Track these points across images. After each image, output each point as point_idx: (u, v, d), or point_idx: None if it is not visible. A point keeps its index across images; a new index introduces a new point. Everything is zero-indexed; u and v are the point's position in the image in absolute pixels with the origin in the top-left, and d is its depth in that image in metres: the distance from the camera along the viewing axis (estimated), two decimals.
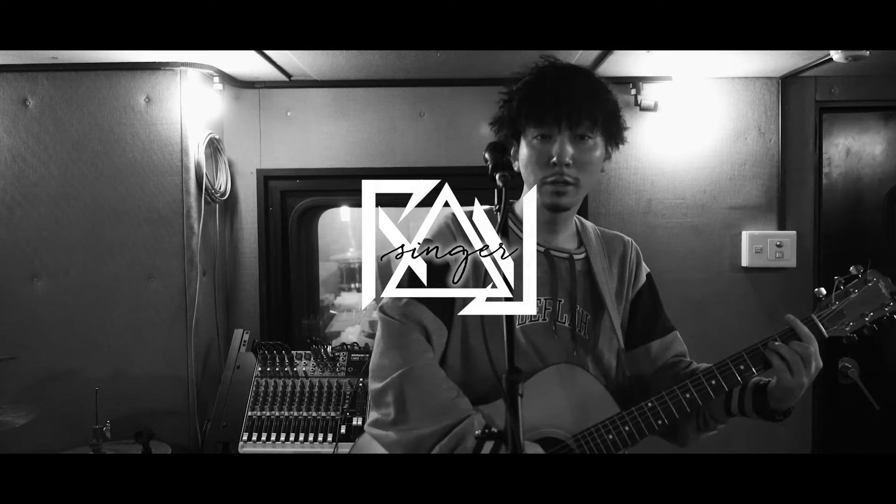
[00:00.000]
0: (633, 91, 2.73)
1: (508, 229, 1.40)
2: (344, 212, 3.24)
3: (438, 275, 1.32)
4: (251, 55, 2.39)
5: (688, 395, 1.33)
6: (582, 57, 2.46)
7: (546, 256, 1.45)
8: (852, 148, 2.83)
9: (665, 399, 1.34)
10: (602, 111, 1.38)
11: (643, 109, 2.74)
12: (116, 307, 2.55)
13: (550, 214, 1.43)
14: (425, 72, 2.62)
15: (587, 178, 1.39)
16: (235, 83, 2.76)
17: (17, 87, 2.52)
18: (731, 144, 2.77)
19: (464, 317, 1.38)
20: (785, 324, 1.37)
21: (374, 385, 1.35)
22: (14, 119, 2.53)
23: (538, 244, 1.42)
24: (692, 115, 2.75)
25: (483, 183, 1.57)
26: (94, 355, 2.54)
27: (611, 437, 1.34)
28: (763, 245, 2.72)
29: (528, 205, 1.27)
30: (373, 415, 1.36)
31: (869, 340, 1.34)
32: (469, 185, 1.90)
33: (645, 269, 1.57)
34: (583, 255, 1.49)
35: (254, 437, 2.35)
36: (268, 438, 2.34)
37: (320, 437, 2.33)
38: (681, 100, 2.74)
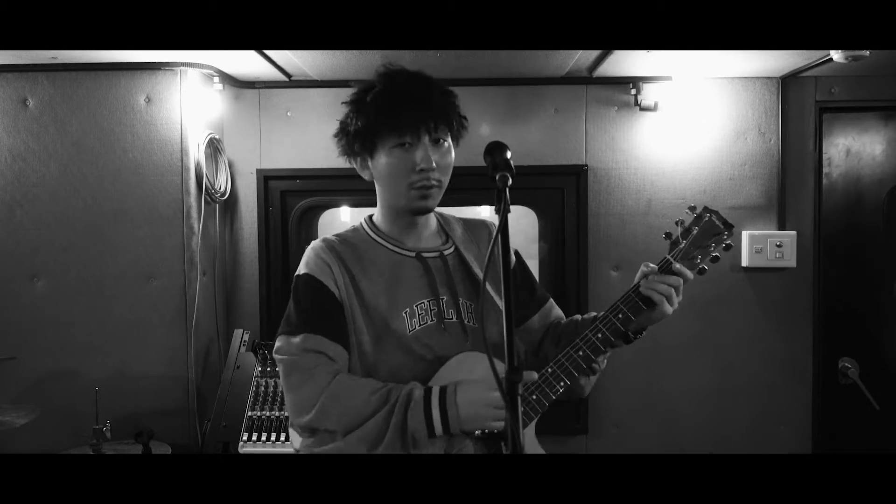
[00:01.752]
0: (633, 91, 2.73)
1: (378, 244, 1.50)
2: (344, 212, 3.24)
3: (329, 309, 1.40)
4: (251, 55, 2.39)
5: (580, 353, 1.40)
6: (582, 57, 2.46)
7: (419, 259, 1.48)
8: (852, 148, 2.83)
9: (562, 361, 1.40)
10: (454, 114, 1.48)
11: (643, 109, 2.74)
12: (116, 307, 2.55)
13: (412, 218, 1.48)
14: (425, 72, 2.61)
15: (446, 178, 1.46)
16: (235, 83, 2.76)
17: (17, 87, 2.52)
18: (731, 144, 2.77)
19: (358, 339, 1.39)
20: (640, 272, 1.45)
21: (303, 419, 1.34)
22: (14, 119, 2.53)
23: (408, 250, 1.49)
24: (692, 115, 2.75)
25: (483, 183, 1.57)
26: (94, 355, 2.54)
27: (521, 409, 1.32)
28: (763, 245, 2.72)
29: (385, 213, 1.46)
30: (313, 441, 1.36)
31: (870, 341, 1.34)
32: (469, 185, 1.91)
33: (512, 248, 1.58)
34: (451, 249, 1.54)
35: (254, 437, 2.35)
36: (268, 438, 2.34)
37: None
38: (681, 100, 2.74)
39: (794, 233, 2.73)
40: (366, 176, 1.51)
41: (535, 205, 2.87)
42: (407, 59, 2.43)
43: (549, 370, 1.40)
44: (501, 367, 1.34)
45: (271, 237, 2.84)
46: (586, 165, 2.77)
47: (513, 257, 1.58)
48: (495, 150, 1.30)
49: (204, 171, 2.56)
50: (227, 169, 2.73)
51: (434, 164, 1.40)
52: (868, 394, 2.65)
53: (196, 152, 2.55)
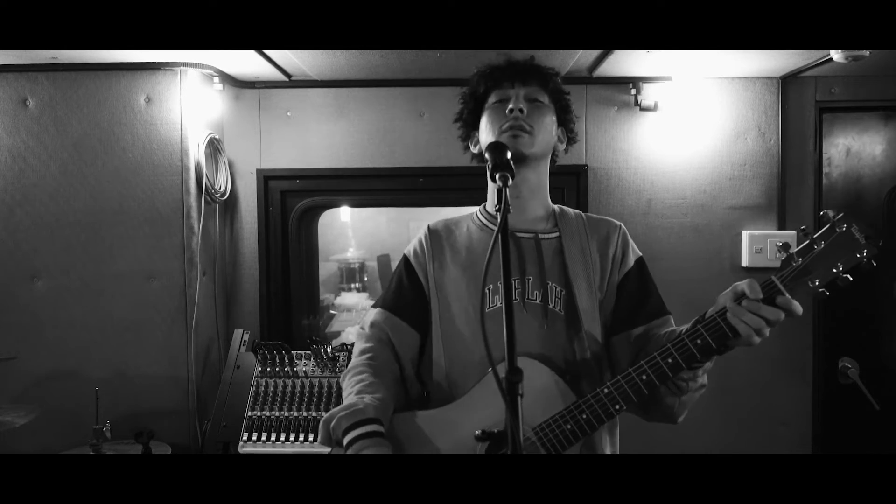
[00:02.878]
0: (633, 91, 2.73)
1: (478, 223, 1.57)
2: (344, 212, 3.24)
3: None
4: (251, 55, 2.39)
5: (644, 377, 1.27)
6: (582, 57, 2.46)
7: (512, 238, 1.49)
8: (852, 148, 2.83)
9: (621, 383, 1.28)
10: (552, 81, 1.54)
11: (643, 109, 2.74)
12: (116, 307, 2.55)
13: (511, 188, 1.46)
14: (425, 72, 2.62)
15: (542, 133, 1.48)
16: (235, 83, 2.76)
17: (17, 87, 2.52)
18: (731, 144, 2.77)
19: (440, 317, 1.49)
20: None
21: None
22: (14, 119, 2.53)
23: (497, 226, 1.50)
24: (692, 115, 2.75)
25: (483, 183, 1.58)
26: (94, 355, 2.54)
27: (569, 426, 1.30)
28: (763, 245, 2.72)
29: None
30: None
31: (870, 341, 1.30)
32: (469, 185, 1.92)
33: (635, 253, 1.54)
34: (554, 236, 1.52)
35: (254, 437, 2.35)
36: (268, 438, 2.34)
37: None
38: (681, 100, 2.74)
39: (794, 233, 2.73)
40: (475, 150, 1.60)
41: None
42: (407, 59, 2.44)
43: (605, 390, 1.29)
44: (556, 379, 1.35)
45: (271, 237, 2.84)
46: (586, 165, 2.77)
47: (632, 262, 1.53)
48: (495, 150, 1.30)
49: (204, 171, 2.56)
50: (227, 169, 2.73)
51: (523, 107, 1.46)
52: (868, 394, 2.65)
53: (196, 152, 2.56)
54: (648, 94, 2.73)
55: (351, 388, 1.42)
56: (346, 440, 1.29)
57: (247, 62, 2.50)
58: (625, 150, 2.78)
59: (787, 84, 2.75)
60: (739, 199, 2.77)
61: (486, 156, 1.31)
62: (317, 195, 2.87)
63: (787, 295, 1.18)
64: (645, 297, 1.51)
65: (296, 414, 2.39)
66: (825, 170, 2.82)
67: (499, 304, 1.43)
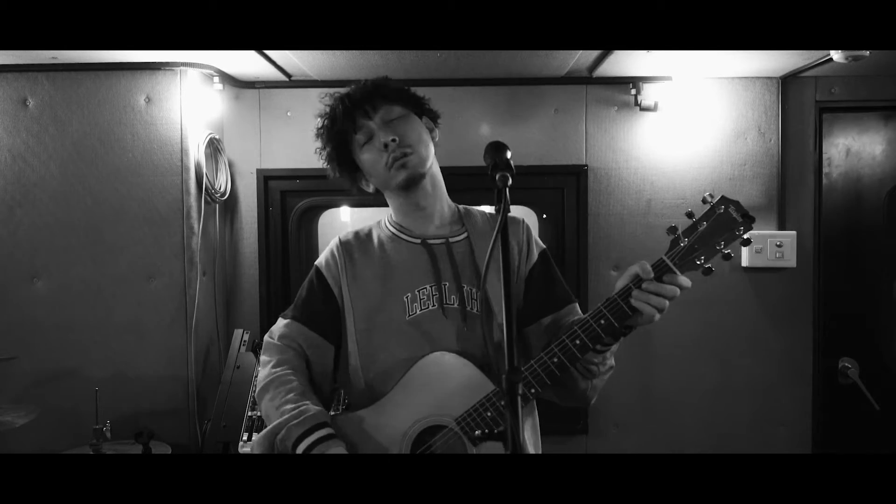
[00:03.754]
0: (633, 91, 2.73)
1: (389, 233, 1.58)
2: (344, 212, 3.24)
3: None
4: (251, 55, 2.39)
5: (555, 360, 1.31)
6: (582, 57, 2.46)
7: (424, 246, 1.52)
8: (852, 148, 2.83)
9: (534, 367, 1.32)
10: (387, 90, 1.52)
11: (643, 109, 2.74)
12: (116, 307, 2.55)
13: (414, 203, 1.52)
14: (425, 72, 2.62)
15: (420, 144, 1.49)
16: (235, 83, 2.76)
17: (17, 87, 2.52)
18: (731, 144, 2.77)
19: (355, 327, 1.49)
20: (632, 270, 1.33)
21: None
22: (14, 119, 2.53)
23: (414, 237, 1.54)
24: (692, 115, 2.75)
25: (482, 183, 1.57)
26: (94, 355, 2.54)
27: (489, 413, 1.35)
28: (763, 245, 2.72)
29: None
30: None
31: (870, 341, 1.32)
32: (469, 185, 1.91)
33: (538, 246, 1.58)
34: (462, 237, 1.54)
35: (254, 437, 2.34)
36: None
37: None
38: (681, 100, 2.74)
39: (794, 233, 2.73)
40: (370, 189, 1.60)
41: (535, 205, 2.87)
42: (407, 59, 2.44)
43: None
44: (474, 371, 1.38)
45: (271, 237, 2.84)
46: (586, 165, 2.77)
47: (536, 255, 1.56)
48: (495, 150, 1.30)
49: (204, 171, 2.56)
50: (227, 169, 2.73)
51: (392, 137, 1.45)
52: (868, 394, 2.65)
53: (196, 152, 2.55)
54: (648, 94, 2.73)
55: (284, 397, 1.40)
56: (301, 447, 1.31)
57: (247, 62, 2.50)
58: (625, 150, 2.78)
59: (787, 84, 2.75)
60: (739, 199, 2.74)
61: (486, 158, 1.30)
62: (317, 195, 2.87)
63: (677, 272, 1.28)
64: (551, 288, 1.55)
65: None
66: (825, 170, 2.82)
67: (418, 312, 1.46)
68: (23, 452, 2.47)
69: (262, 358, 1.53)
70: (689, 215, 1.31)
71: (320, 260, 1.59)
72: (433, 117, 1.60)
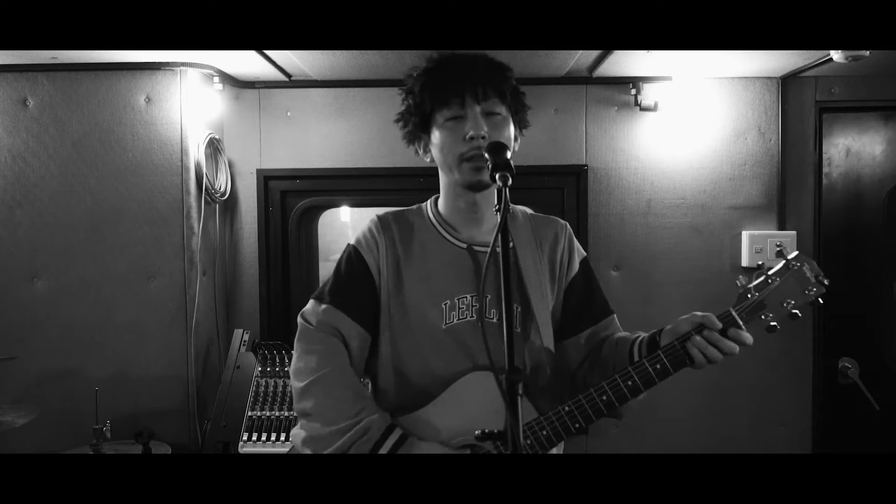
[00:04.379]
0: (633, 91, 2.73)
1: (433, 229, 1.47)
2: (344, 212, 3.24)
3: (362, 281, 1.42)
4: (251, 55, 2.39)
5: (604, 398, 1.30)
6: (582, 57, 2.46)
7: (469, 252, 1.43)
8: (852, 148, 2.83)
9: (582, 403, 1.30)
10: (507, 86, 1.41)
11: (643, 109, 2.74)
12: (116, 307, 2.55)
13: (471, 204, 1.43)
14: None
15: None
16: (235, 83, 2.76)
17: (17, 87, 2.52)
18: (731, 144, 2.77)
19: (391, 322, 1.41)
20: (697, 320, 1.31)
21: (294, 384, 1.41)
22: (14, 119, 2.53)
23: (460, 240, 1.45)
24: (692, 115, 2.75)
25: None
26: (94, 355, 2.54)
27: (528, 441, 1.31)
28: (763, 245, 2.72)
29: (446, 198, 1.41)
30: (296, 408, 1.42)
31: (870, 341, 1.32)
32: None
33: (580, 254, 1.52)
34: (509, 246, 1.48)
35: (254, 437, 2.35)
36: (268, 438, 2.34)
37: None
38: (681, 100, 2.74)
39: (794, 233, 2.73)
40: (427, 159, 1.48)
41: (535, 205, 2.86)
42: (407, 59, 2.44)
43: (566, 408, 1.31)
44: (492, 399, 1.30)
45: (271, 237, 2.84)
46: (586, 165, 2.77)
47: (577, 266, 1.50)
48: (495, 150, 1.29)
49: (204, 171, 2.56)
50: (227, 169, 2.73)
51: (484, 133, 1.35)
52: (868, 394, 2.65)
53: (196, 152, 2.55)
54: (648, 94, 2.73)
55: (341, 405, 1.33)
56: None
57: (247, 62, 2.50)
58: (625, 150, 2.78)
59: (787, 84, 2.75)
60: (739, 199, 2.77)
61: (486, 155, 1.30)
62: (317, 195, 2.87)
63: (743, 327, 1.26)
64: (591, 300, 1.51)
65: (296, 414, 2.39)
66: (825, 170, 2.82)
67: (455, 321, 1.39)
68: (23, 452, 2.47)
69: (300, 346, 1.43)
70: (760, 269, 1.28)
71: (358, 240, 1.47)
72: (523, 126, 1.50)
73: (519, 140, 1.49)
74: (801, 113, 2.77)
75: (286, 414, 2.39)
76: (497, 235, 1.14)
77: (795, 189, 2.78)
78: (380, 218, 1.50)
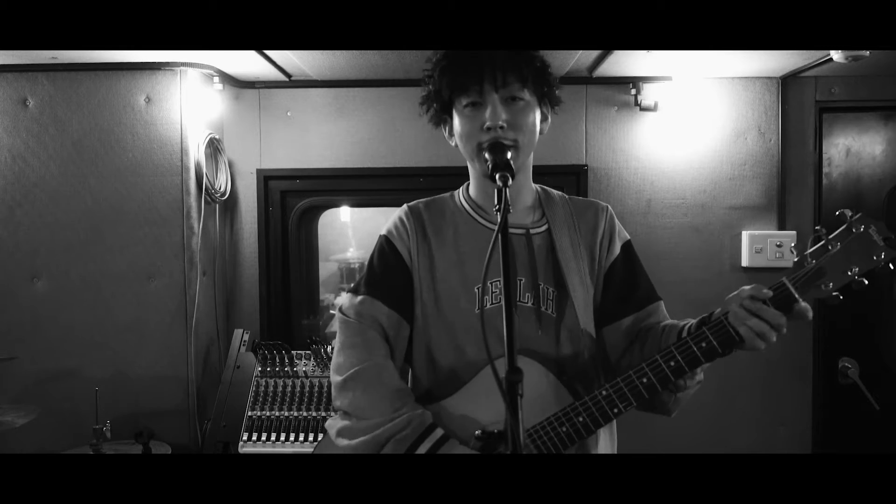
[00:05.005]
0: (633, 91, 2.73)
1: (465, 212, 1.44)
2: (344, 212, 3.24)
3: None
4: (251, 55, 2.39)
5: (645, 380, 1.21)
6: (582, 57, 2.46)
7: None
8: (852, 148, 2.83)
9: (620, 386, 1.22)
10: (529, 69, 1.35)
11: (643, 109, 2.74)
12: (116, 307, 2.55)
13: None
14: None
15: (525, 139, 1.35)
16: (235, 83, 2.76)
17: (17, 87, 2.52)
18: (731, 144, 2.77)
19: (423, 308, 1.40)
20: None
21: (334, 379, 1.38)
22: (14, 119, 2.53)
23: (491, 222, 1.42)
24: (692, 115, 2.76)
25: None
26: (94, 355, 2.54)
27: (564, 429, 1.25)
28: (763, 245, 2.72)
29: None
30: (335, 404, 1.38)
31: (870, 341, 1.26)
32: None
33: (622, 238, 1.47)
34: (543, 228, 1.43)
35: (254, 437, 2.35)
36: (268, 438, 2.34)
37: (320, 437, 2.33)
38: (681, 100, 2.74)
39: (794, 233, 2.73)
40: (452, 143, 1.44)
41: None
42: (407, 59, 2.44)
43: (604, 393, 1.24)
44: (553, 381, 1.28)
45: (271, 237, 2.84)
46: (586, 165, 2.77)
47: (618, 249, 1.45)
48: (495, 150, 1.29)
49: (204, 171, 2.56)
50: (227, 169, 2.73)
51: (502, 122, 1.30)
52: (868, 394, 2.64)
53: (196, 152, 2.56)
54: (648, 94, 2.73)
55: (381, 402, 1.30)
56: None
57: (247, 62, 2.50)
58: (625, 150, 2.78)
59: (787, 84, 2.75)
60: (739, 200, 2.77)
61: (486, 155, 1.30)
62: (317, 195, 2.87)
63: (799, 298, 1.12)
64: (634, 285, 1.44)
65: (296, 414, 2.39)
66: (825, 170, 2.82)
67: (488, 306, 1.36)
68: (23, 452, 2.47)
69: (340, 339, 1.39)
70: (819, 232, 1.14)
71: (389, 230, 1.46)
72: (554, 104, 1.44)
73: (549, 119, 1.44)
74: (801, 113, 2.77)
75: (286, 414, 2.39)
76: (497, 236, 1.11)
77: (795, 189, 2.78)
78: (409, 206, 1.49)
